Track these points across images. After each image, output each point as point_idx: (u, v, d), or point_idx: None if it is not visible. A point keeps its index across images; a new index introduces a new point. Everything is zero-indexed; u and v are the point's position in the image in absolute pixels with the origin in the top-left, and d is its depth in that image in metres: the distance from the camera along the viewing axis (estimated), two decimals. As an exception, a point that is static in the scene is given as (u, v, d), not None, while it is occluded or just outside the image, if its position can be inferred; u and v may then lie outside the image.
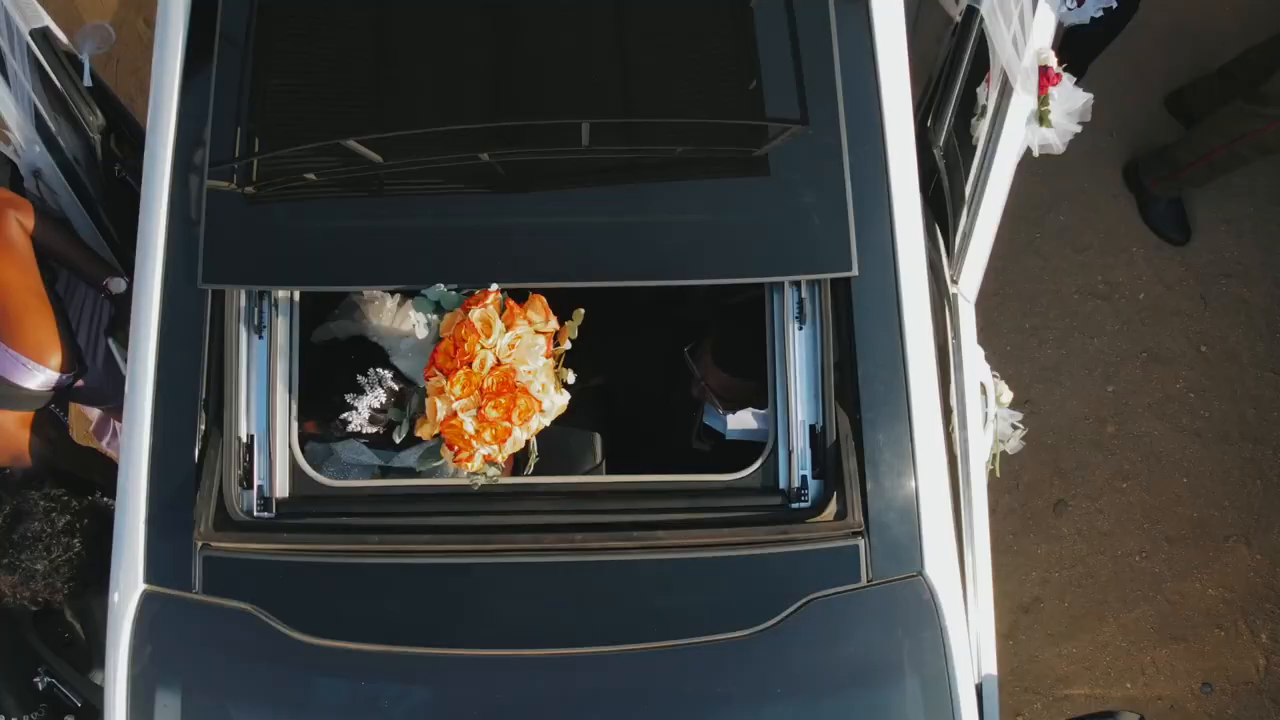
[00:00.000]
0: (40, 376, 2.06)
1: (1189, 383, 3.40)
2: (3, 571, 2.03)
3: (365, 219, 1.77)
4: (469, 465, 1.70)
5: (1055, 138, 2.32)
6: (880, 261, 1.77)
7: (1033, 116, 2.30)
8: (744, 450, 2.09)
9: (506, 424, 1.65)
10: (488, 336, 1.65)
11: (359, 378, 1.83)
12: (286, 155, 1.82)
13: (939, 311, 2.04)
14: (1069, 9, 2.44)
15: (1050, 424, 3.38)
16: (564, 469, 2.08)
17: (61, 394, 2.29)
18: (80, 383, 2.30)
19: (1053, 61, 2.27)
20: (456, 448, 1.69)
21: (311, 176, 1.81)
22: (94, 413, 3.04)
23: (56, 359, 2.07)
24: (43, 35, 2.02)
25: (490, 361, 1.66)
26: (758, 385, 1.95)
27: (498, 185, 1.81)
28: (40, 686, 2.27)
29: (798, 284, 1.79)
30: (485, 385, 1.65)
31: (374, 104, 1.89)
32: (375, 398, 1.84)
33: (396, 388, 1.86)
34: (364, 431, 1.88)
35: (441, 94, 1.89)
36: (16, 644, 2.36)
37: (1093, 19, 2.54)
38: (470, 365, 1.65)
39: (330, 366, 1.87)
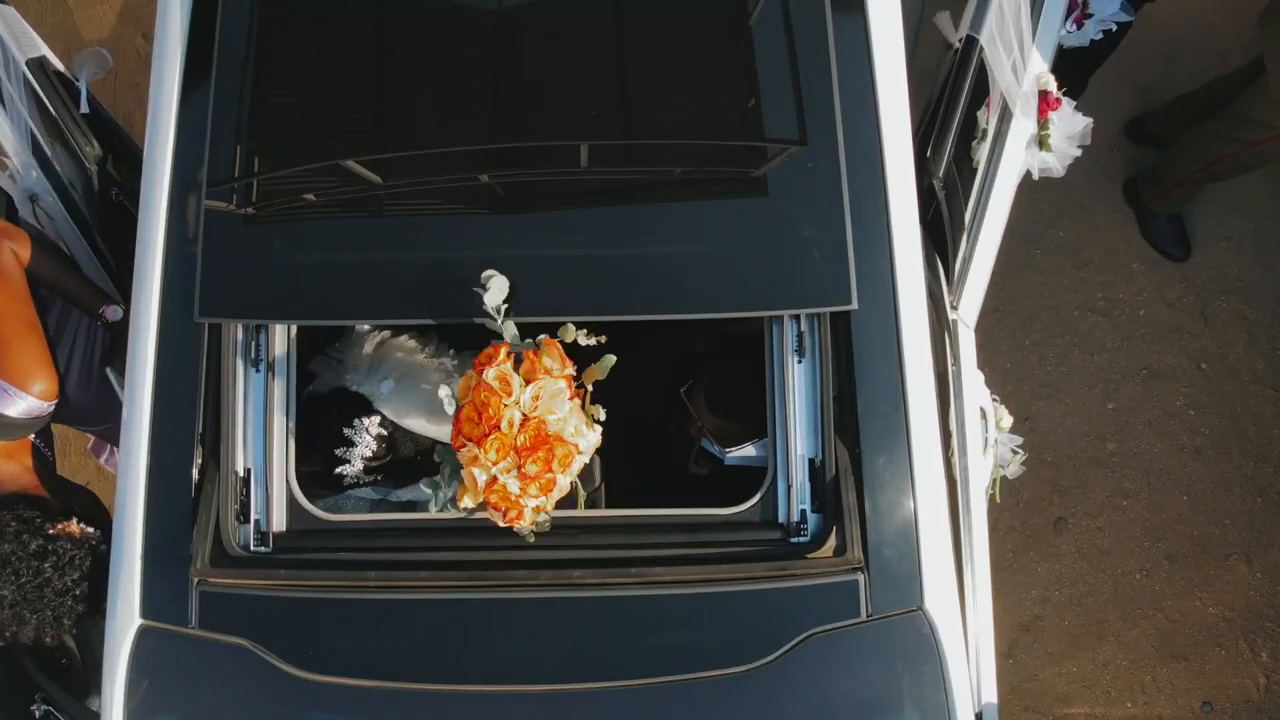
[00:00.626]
0: (22, 404, 2.04)
1: (1189, 400, 3.39)
2: None
3: (363, 252, 1.77)
4: (520, 523, 1.67)
5: (1055, 161, 2.32)
6: (880, 294, 1.77)
7: (1032, 140, 2.29)
8: (742, 474, 2.09)
9: (549, 474, 1.64)
10: (509, 395, 1.63)
11: (345, 430, 1.82)
12: (284, 187, 1.81)
13: (938, 339, 2.04)
14: (1068, 31, 2.44)
15: (1050, 441, 3.37)
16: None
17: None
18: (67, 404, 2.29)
19: (1052, 86, 2.26)
20: (505, 509, 1.66)
21: (309, 209, 1.81)
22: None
23: (40, 387, 2.04)
24: (39, 65, 2.01)
25: (518, 419, 1.63)
26: (753, 428, 1.95)
27: (494, 219, 1.80)
28: (37, 714, 2.26)
29: (797, 317, 1.78)
30: (519, 444, 1.63)
31: (372, 138, 1.88)
32: (366, 447, 1.83)
33: (385, 432, 1.85)
34: (362, 482, 1.87)
35: (437, 128, 1.88)
36: (12, 670, 2.34)
37: (1092, 41, 2.54)
38: (499, 428, 1.62)
39: (316, 422, 1.86)
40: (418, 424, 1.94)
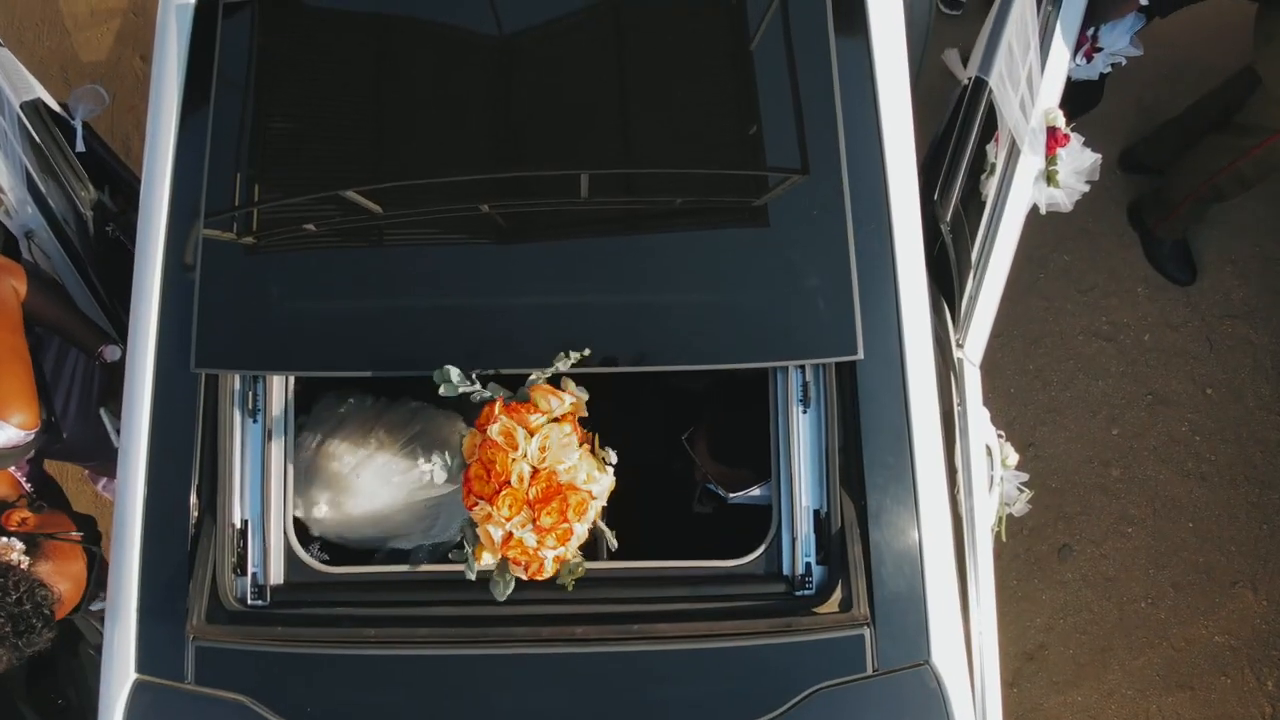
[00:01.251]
0: (1, 434, 1.97)
1: (1194, 426, 3.37)
2: None
3: (360, 304, 1.74)
4: (544, 574, 1.66)
5: (1063, 197, 2.30)
6: (886, 343, 1.74)
7: (1040, 176, 2.27)
8: (746, 512, 2.07)
9: (565, 524, 1.61)
10: (515, 448, 1.61)
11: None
12: (281, 238, 1.79)
13: (944, 380, 2.01)
14: (1077, 65, 2.41)
15: (1054, 467, 3.35)
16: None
17: (37, 454, 2.22)
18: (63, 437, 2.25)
19: (1061, 122, 2.24)
20: (525, 563, 1.64)
21: (306, 260, 1.78)
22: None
23: (20, 418, 1.98)
24: (33, 108, 1.99)
25: (527, 472, 1.61)
26: (753, 470, 1.93)
27: (491, 271, 1.77)
28: (31, 758, 2.24)
29: (801, 367, 1.76)
30: (532, 497, 1.61)
31: (370, 184, 1.85)
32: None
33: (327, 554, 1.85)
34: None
35: (430, 171, 1.85)
36: (7, 711, 2.32)
37: (1101, 74, 2.52)
38: (509, 483, 1.60)
39: None
40: (364, 534, 1.91)
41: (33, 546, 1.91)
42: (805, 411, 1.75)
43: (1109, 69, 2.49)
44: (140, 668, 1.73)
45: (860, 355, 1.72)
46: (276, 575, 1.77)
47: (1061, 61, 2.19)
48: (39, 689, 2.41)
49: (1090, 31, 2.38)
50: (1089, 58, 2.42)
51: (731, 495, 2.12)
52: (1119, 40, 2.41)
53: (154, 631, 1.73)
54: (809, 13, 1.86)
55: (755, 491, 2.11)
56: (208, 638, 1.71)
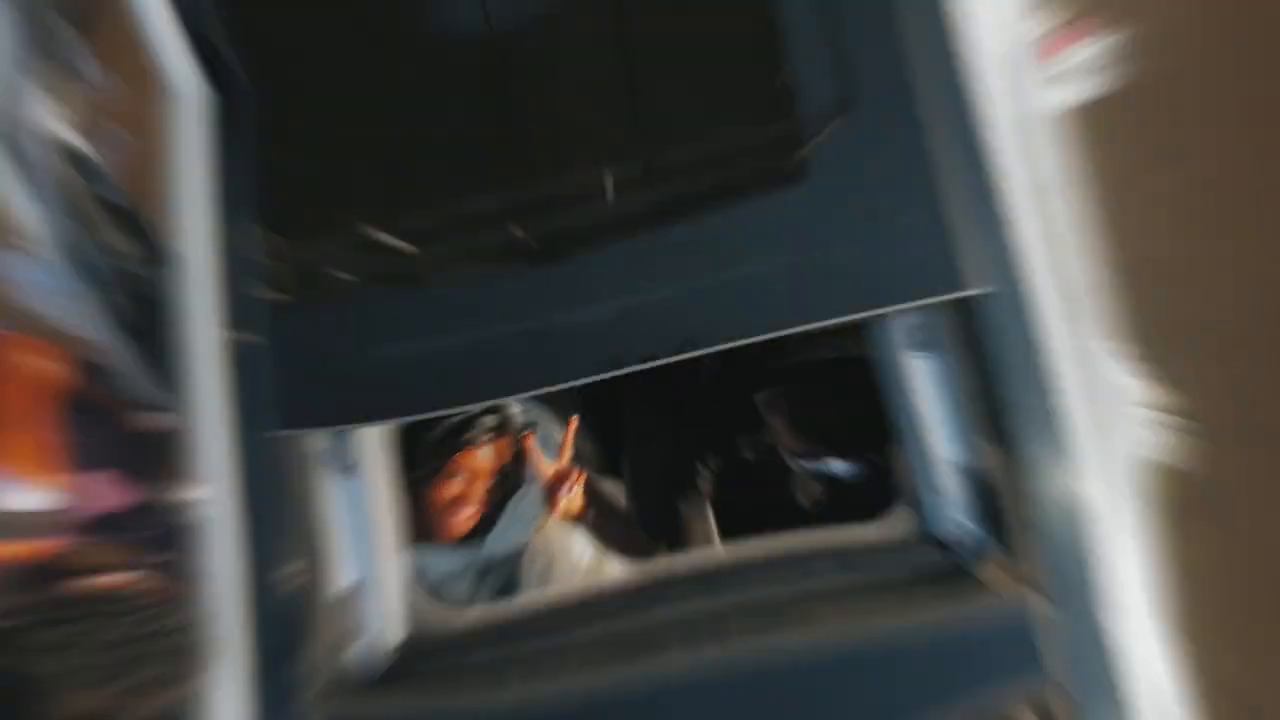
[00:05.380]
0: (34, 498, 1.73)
1: None
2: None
3: (434, 342, 1.60)
4: None
5: None
6: (1005, 274, 1.59)
7: None
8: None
9: None
10: None
11: None
12: (345, 287, 1.64)
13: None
14: None
15: None
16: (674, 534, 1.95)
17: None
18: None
19: None
20: None
21: (376, 304, 1.64)
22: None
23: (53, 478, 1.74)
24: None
25: None
26: (833, 443, 1.81)
27: (563, 284, 1.60)
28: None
29: (909, 312, 1.63)
30: None
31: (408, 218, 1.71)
32: None
33: None
34: None
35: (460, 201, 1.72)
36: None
37: None
38: None
39: None
40: None
41: None
42: (923, 357, 1.62)
43: None
44: (262, 754, 1.59)
45: (966, 290, 1.58)
46: (396, 633, 1.64)
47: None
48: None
49: None
50: None
51: (805, 465, 2.02)
52: None
53: (271, 710, 1.59)
54: None
55: (835, 466, 2.00)
56: (330, 711, 1.57)
